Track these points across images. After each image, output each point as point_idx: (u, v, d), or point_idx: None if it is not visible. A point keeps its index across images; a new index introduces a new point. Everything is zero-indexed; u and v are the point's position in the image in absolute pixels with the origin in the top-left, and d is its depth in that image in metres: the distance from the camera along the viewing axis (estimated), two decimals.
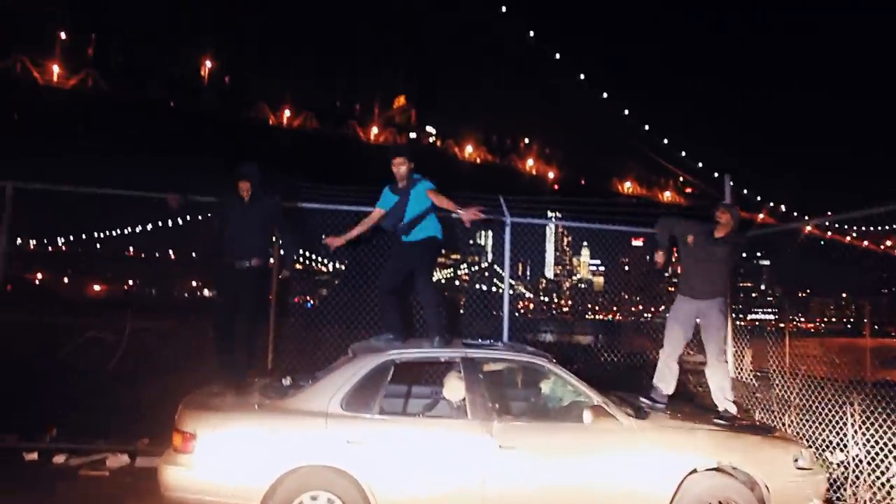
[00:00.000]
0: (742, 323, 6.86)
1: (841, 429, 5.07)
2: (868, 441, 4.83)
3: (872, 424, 4.81)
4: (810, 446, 5.01)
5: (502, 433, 3.89)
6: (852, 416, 4.98)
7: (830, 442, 5.19)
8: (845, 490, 4.98)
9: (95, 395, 5.44)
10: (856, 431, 4.95)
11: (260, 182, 4.91)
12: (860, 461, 4.87)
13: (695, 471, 3.94)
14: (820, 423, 5.32)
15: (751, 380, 6.49)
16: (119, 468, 5.13)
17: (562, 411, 4.42)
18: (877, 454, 4.76)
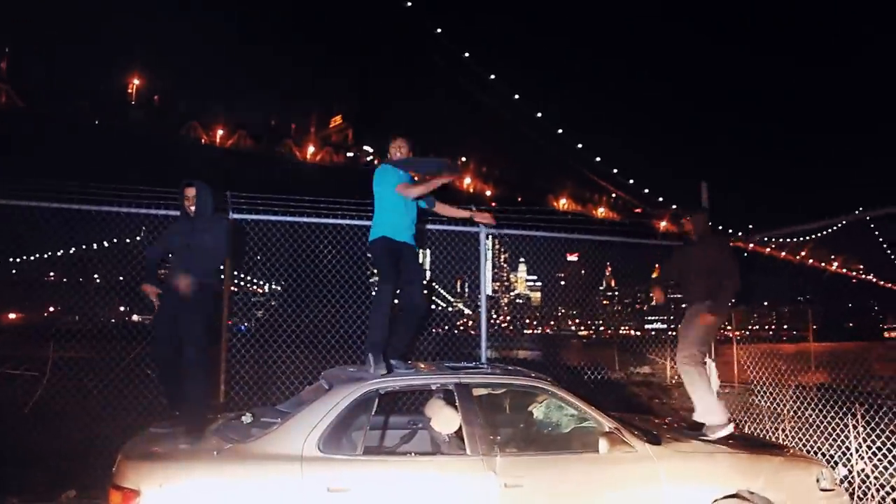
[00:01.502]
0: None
1: (843, 441, 4.83)
2: (875, 454, 4.60)
3: (879, 436, 4.59)
4: None
5: (507, 469, 3.37)
6: (855, 427, 4.76)
7: (831, 456, 4.95)
8: None
9: (9, 440, 4.55)
10: (860, 444, 4.71)
11: (208, 195, 4.20)
12: (867, 476, 4.63)
13: (715, 501, 3.55)
14: (819, 436, 5.08)
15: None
16: None
17: (565, 439, 3.95)
18: (885, 468, 4.53)
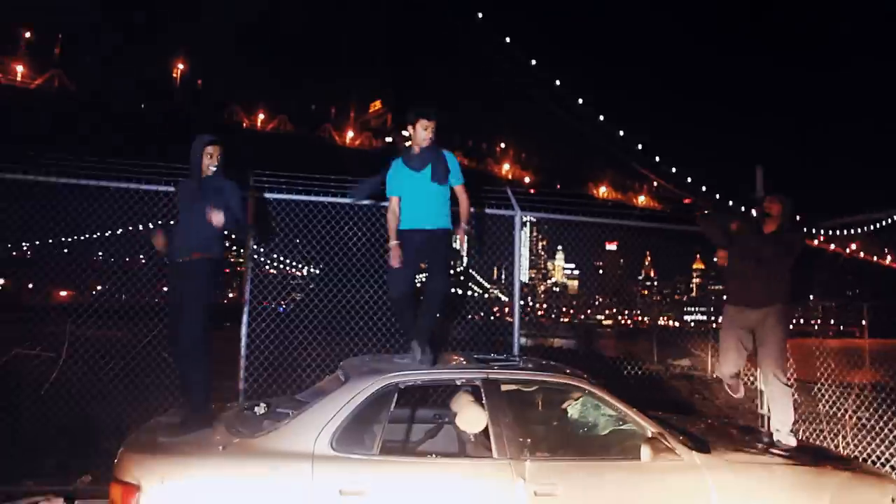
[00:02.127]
0: None
1: None
2: None
3: None
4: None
5: (537, 475, 3.05)
6: None
7: (893, 466, 4.47)
8: None
9: (24, 423, 4.44)
10: None
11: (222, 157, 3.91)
12: None
13: None
14: (882, 442, 4.61)
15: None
16: None
17: (603, 443, 3.60)
18: None
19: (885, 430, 4.61)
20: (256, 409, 3.55)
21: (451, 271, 4.17)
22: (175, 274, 3.72)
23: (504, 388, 3.76)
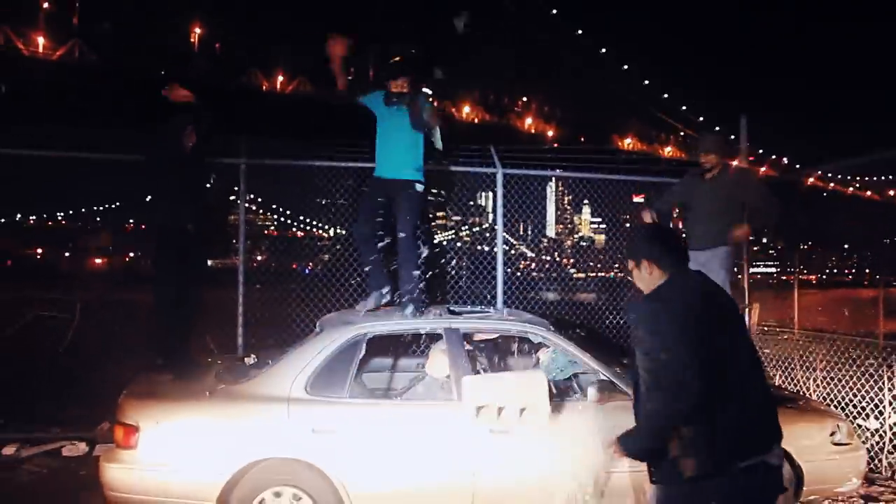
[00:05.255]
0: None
1: (877, 393, 4.54)
2: None
3: None
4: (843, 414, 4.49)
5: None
6: (889, 378, 4.45)
7: (863, 408, 4.68)
8: (881, 461, 4.49)
9: (47, 378, 4.89)
10: (894, 396, 4.42)
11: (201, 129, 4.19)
12: (891, 427, 4.37)
13: None
14: (850, 387, 4.80)
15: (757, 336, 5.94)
16: (76, 457, 4.63)
17: (564, 386, 3.88)
18: None
19: (847, 377, 4.80)
20: (247, 360, 3.93)
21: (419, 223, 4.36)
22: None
23: (477, 337, 4.08)
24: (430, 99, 4.52)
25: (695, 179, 4.54)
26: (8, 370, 4.94)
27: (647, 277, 2.27)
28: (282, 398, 3.30)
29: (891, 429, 4.43)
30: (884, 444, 4.45)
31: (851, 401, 4.74)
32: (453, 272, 6.00)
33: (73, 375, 5.05)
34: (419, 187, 4.28)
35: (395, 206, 4.24)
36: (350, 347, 3.49)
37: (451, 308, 4.26)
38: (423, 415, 3.43)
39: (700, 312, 2.10)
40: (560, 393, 3.80)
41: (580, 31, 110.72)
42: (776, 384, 5.21)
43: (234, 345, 5.18)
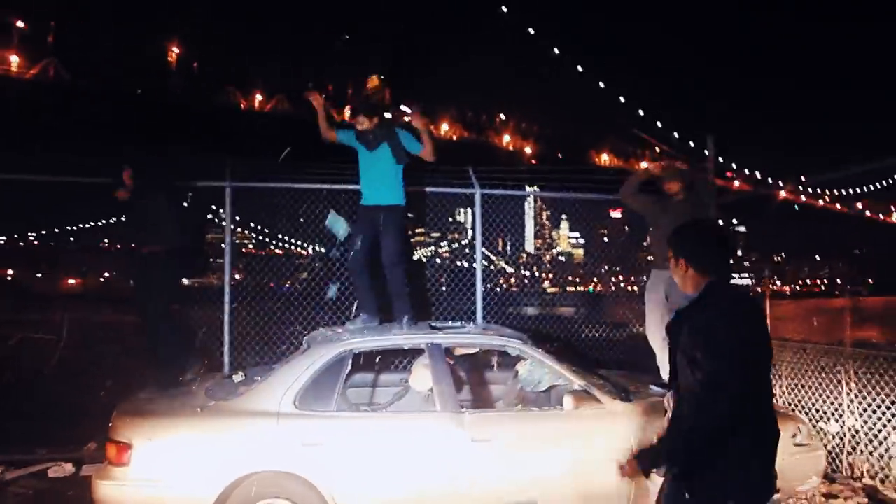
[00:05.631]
0: None
1: (836, 397, 4.80)
2: (865, 410, 4.56)
3: (869, 393, 4.54)
4: (806, 417, 4.73)
5: (474, 425, 3.51)
6: (847, 384, 4.71)
7: (825, 412, 4.93)
8: (841, 461, 4.73)
9: (32, 399, 4.94)
10: (851, 400, 4.68)
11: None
12: (856, 431, 4.62)
13: None
14: (814, 392, 5.05)
15: None
16: (62, 478, 4.67)
17: (541, 397, 4.07)
18: (874, 424, 4.50)
19: (811, 383, 5.04)
20: (235, 377, 4.05)
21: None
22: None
23: (456, 352, 4.25)
24: (407, 120, 4.73)
25: (663, 201, 4.76)
26: None
27: (681, 275, 2.21)
28: (271, 413, 3.43)
29: (849, 431, 4.68)
30: (843, 445, 4.70)
31: (814, 405, 4.99)
32: (433, 289, 6.15)
33: (59, 396, 5.10)
34: (400, 209, 4.51)
35: (382, 229, 4.44)
36: (336, 363, 3.64)
37: (433, 324, 4.43)
38: (407, 426, 3.58)
39: (745, 330, 2.07)
40: (538, 403, 3.99)
41: (556, 50, 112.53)
42: None
43: (220, 363, 5.28)
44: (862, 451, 4.59)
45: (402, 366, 5.05)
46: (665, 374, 4.48)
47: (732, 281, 2.27)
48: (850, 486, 4.47)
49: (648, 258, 6.20)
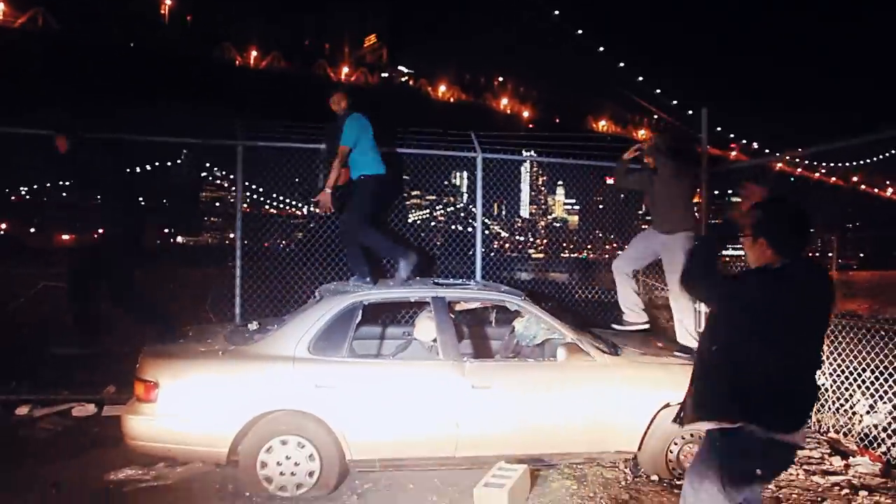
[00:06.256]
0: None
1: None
2: (834, 371, 4.91)
3: (840, 355, 4.87)
4: None
5: (475, 373, 3.82)
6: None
7: None
8: (810, 417, 5.10)
9: (55, 345, 5.21)
10: (822, 362, 5.01)
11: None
12: (826, 389, 4.97)
13: (668, 405, 3.94)
14: None
15: None
16: (86, 417, 4.99)
17: (536, 349, 4.38)
18: (842, 383, 4.85)
19: None
20: (250, 325, 4.33)
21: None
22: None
23: (457, 306, 4.54)
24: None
25: (651, 172, 5.04)
26: (19, 337, 5.22)
27: (758, 253, 2.29)
28: (287, 357, 3.72)
29: (820, 389, 5.03)
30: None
31: None
32: (437, 251, 6.38)
33: (78, 342, 5.35)
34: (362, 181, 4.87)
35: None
36: (348, 313, 3.92)
37: (437, 281, 4.71)
38: (412, 373, 3.89)
39: (810, 305, 2.19)
40: (533, 354, 4.31)
41: (556, 12, 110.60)
42: None
43: (231, 314, 5.57)
44: (829, 409, 4.95)
45: (404, 320, 5.37)
46: (628, 304, 4.98)
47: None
48: (817, 438, 4.84)
49: (643, 227, 6.46)
